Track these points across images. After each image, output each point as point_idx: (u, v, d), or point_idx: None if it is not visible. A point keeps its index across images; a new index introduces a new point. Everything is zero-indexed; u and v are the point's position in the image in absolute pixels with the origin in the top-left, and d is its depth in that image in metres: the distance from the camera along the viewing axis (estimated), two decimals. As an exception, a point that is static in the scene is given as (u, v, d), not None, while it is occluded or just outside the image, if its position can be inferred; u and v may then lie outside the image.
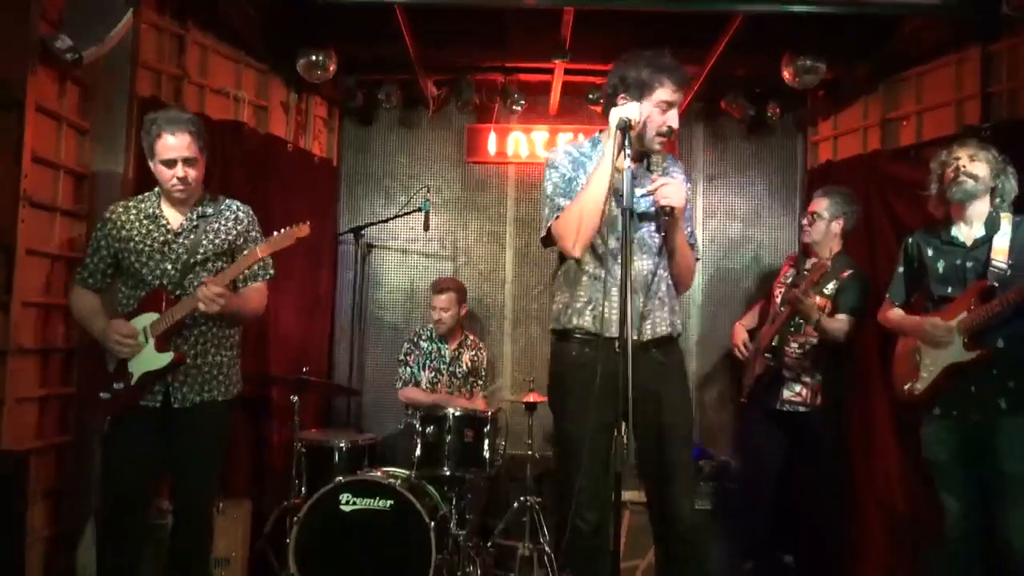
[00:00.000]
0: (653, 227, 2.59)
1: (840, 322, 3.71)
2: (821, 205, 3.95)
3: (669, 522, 2.59)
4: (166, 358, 2.82)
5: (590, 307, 2.57)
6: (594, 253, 2.59)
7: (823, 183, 4.73)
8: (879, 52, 4.33)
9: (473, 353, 4.59)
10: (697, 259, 2.74)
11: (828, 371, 3.81)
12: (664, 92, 2.52)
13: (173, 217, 2.96)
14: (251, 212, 3.10)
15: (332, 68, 4.48)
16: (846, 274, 3.81)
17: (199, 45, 4.17)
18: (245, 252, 2.94)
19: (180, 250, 2.92)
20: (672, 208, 2.46)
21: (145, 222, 2.94)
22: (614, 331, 2.47)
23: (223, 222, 2.99)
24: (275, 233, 2.90)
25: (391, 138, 5.26)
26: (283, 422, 4.30)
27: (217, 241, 2.96)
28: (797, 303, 3.64)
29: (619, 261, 2.48)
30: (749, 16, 3.85)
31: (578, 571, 2.66)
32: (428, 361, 4.52)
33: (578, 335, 2.59)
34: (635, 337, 2.47)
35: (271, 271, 3.11)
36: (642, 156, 2.64)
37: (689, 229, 2.70)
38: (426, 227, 4.73)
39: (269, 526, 3.89)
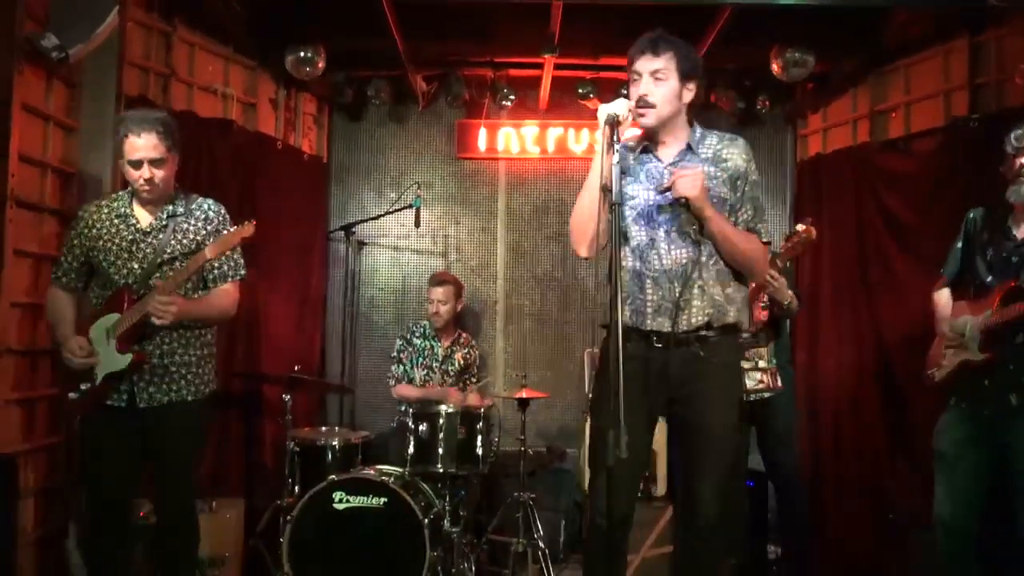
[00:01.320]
0: (682, 218, 2.48)
1: (795, 301, 3.76)
2: None
3: (689, 517, 2.56)
4: (126, 359, 2.78)
5: (628, 301, 2.50)
6: (629, 247, 2.52)
7: (813, 176, 4.77)
8: (867, 44, 4.35)
9: (466, 350, 4.59)
10: (766, 242, 2.61)
11: (779, 353, 3.88)
12: (632, 64, 2.51)
13: (143, 216, 2.92)
14: (223, 211, 3.02)
15: (321, 64, 4.46)
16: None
17: (186, 42, 4.15)
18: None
19: (148, 249, 2.87)
20: (686, 199, 2.40)
21: (116, 221, 2.91)
22: (649, 324, 2.45)
23: (192, 222, 2.94)
24: (223, 233, 2.88)
25: (381, 134, 5.25)
26: (275, 420, 4.28)
27: (185, 241, 2.91)
28: (768, 285, 3.64)
29: (653, 252, 2.47)
30: (737, 9, 3.85)
31: (591, 569, 2.64)
32: (421, 358, 4.52)
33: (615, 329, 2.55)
34: (669, 329, 2.44)
35: (242, 271, 3.05)
36: (654, 137, 2.58)
37: (748, 212, 2.57)
38: (417, 223, 4.72)
39: (263, 525, 3.88)
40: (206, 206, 2.99)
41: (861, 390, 4.25)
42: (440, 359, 4.51)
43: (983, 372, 2.89)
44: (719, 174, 2.52)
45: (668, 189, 2.45)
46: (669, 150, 2.58)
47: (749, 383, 3.86)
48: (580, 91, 4.83)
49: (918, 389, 3.74)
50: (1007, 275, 2.87)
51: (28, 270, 3.36)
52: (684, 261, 2.47)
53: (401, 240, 5.19)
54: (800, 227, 3.61)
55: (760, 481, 4.29)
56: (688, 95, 2.54)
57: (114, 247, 2.88)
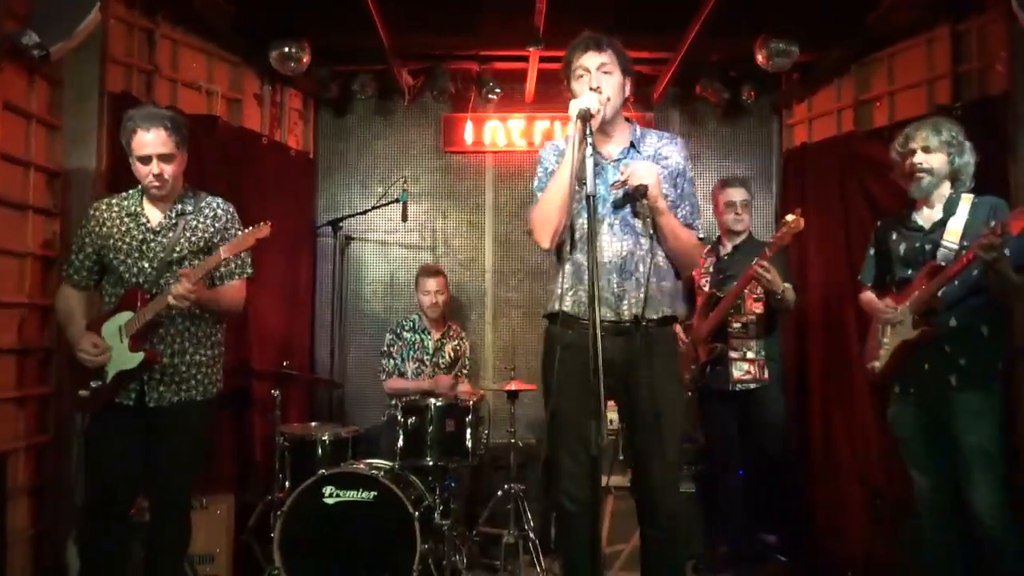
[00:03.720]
0: (629, 210, 2.59)
1: (792, 293, 3.83)
2: (743, 195, 4.12)
3: (648, 508, 2.62)
4: (137, 358, 2.80)
5: (571, 291, 2.60)
6: (572, 239, 2.62)
7: (799, 165, 4.79)
8: (851, 34, 4.35)
9: (456, 343, 4.60)
10: (701, 238, 2.72)
11: (769, 346, 3.93)
12: (576, 60, 2.61)
13: (153, 215, 2.94)
14: (231, 209, 3.06)
15: (305, 59, 4.45)
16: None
17: (169, 39, 4.13)
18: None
19: (158, 248, 2.89)
20: (645, 187, 2.46)
21: (126, 220, 2.92)
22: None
23: (201, 220, 2.96)
24: (238, 234, 2.90)
25: (367, 129, 5.24)
26: (265, 416, 4.29)
27: (194, 239, 2.93)
28: (762, 277, 3.67)
29: (598, 243, 2.52)
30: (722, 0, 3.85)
31: (567, 554, 2.69)
32: (412, 352, 4.52)
33: (561, 318, 2.61)
34: (612, 318, 2.52)
35: (249, 269, 3.07)
36: (601, 133, 2.63)
37: (687, 209, 2.68)
38: (404, 218, 4.72)
39: (253, 520, 3.89)
40: (215, 204, 3.02)
41: (848, 379, 4.27)
42: (431, 352, 4.52)
43: (922, 356, 2.98)
44: (661, 171, 2.61)
45: (624, 184, 2.52)
46: (613, 147, 2.69)
47: (736, 373, 3.91)
48: (564, 85, 4.82)
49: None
50: (923, 262, 3.00)
51: (14, 270, 3.35)
52: (624, 254, 2.57)
53: (388, 235, 5.19)
54: (789, 217, 3.64)
55: (751, 470, 4.32)
56: (627, 90, 2.67)
57: (124, 246, 2.89)
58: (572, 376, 2.41)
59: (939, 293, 2.90)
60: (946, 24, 3.97)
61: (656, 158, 2.66)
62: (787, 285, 3.82)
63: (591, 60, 2.59)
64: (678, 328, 4.11)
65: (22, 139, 3.36)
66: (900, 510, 3.68)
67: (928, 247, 3.01)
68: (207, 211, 2.98)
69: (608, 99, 2.52)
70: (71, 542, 3.33)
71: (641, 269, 2.56)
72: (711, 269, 4.11)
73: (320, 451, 3.81)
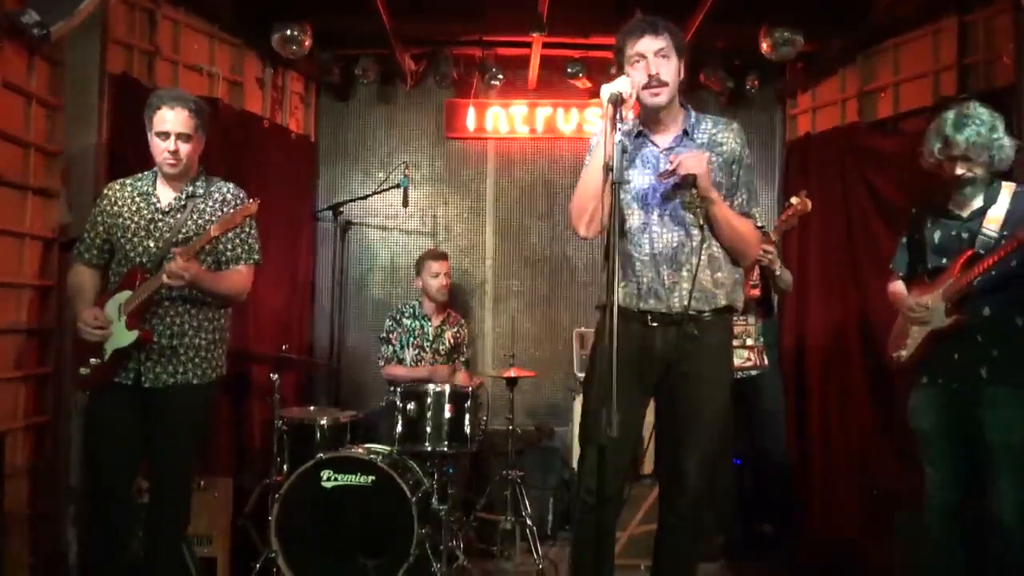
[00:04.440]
0: (679, 200, 2.52)
1: (788, 274, 3.80)
2: None
3: (673, 496, 2.60)
4: (132, 336, 2.80)
5: (622, 283, 2.53)
6: (623, 228, 2.54)
7: (802, 155, 4.78)
8: (857, 24, 4.33)
9: (456, 329, 4.59)
10: (760, 227, 2.66)
11: (766, 332, 3.93)
12: (631, 47, 2.51)
13: (164, 195, 2.95)
14: (241, 194, 3.05)
15: (307, 43, 4.42)
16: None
17: (171, 20, 4.10)
18: (230, 235, 2.94)
19: (164, 229, 2.90)
20: (694, 176, 2.41)
21: (138, 199, 2.94)
22: (641, 305, 2.50)
23: (210, 203, 2.96)
24: (226, 213, 2.92)
25: (369, 114, 5.22)
26: (264, 400, 4.29)
27: (200, 222, 2.92)
28: (765, 255, 3.65)
29: (646, 235, 2.51)
30: (727, -13, 3.84)
31: (578, 545, 2.66)
32: (411, 338, 4.52)
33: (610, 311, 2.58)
34: (663, 310, 2.48)
35: (256, 256, 3.07)
36: (654, 121, 2.59)
37: (744, 196, 2.61)
38: (405, 203, 4.71)
39: (251, 504, 3.89)
40: (225, 189, 3.03)
41: (847, 370, 4.27)
42: (431, 338, 4.51)
43: (953, 345, 2.91)
44: (715, 159, 2.55)
45: (672, 174, 2.46)
46: (666, 135, 2.60)
47: (736, 360, 3.88)
48: (569, 70, 4.82)
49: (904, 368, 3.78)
50: (960, 250, 2.91)
51: (13, 250, 3.33)
52: (675, 245, 2.50)
53: (389, 220, 5.18)
54: (795, 200, 3.62)
55: (747, 459, 4.33)
56: (681, 73, 2.57)
57: (133, 225, 2.90)
58: (619, 370, 2.29)
59: (975, 282, 2.82)
60: (953, 15, 3.94)
61: (710, 145, 2.57)
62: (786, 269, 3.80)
63: (648, 45, 2.48)
64: None
65: (22, 119, 3.33)
66: (895, 501, 3.68)
67: (966, 235, 2.91)
68: (216, 195, 2.99)
69: (665, 84, 2.46)
70: (69, 524, 3.34)
71: (693, 261, 2.49)
72: None
73: (318, 435, 3.81)
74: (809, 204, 3.59)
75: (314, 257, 5.14)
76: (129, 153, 3.50)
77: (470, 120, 5.11)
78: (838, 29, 4.44)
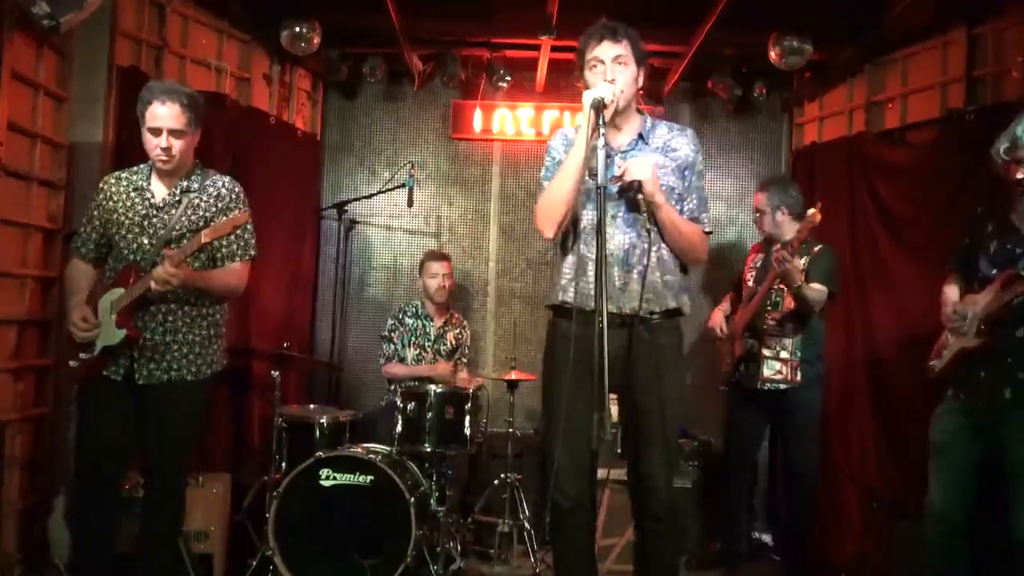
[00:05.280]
0: (627, 204, 2.57)
1: (817, 291, 3.73)
2: (760, 201, 4.02)
3: (644, 500, 2.62)
4: (120, 335, 2.78)
5: (573, 283, 2.59)
6: (576, 231, 2.61)
7: (808, 164, 4.77)
8: (866, 34, 4.32)
9: (458, 331, 4.58)
10: (708, 232, 2.69)
11: (805, 347, 3.84)
12: (591, 51, 2.57)
13: (159, 190, 2.92)
14: (236, 189, 3.01)
15: (316, 40, 4.42)
16: (816, 249, 3.85)
17: (180, 14, 4.10)
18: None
19: (159, 225, 2.87)
20: (639, 182, 2.45)
21: (132, 194, 2.91)
22: (592, 305, 2.49)
23: (205, 198, 2.93)
24: (231, 211, 2.90)
25: (376, 112, 5.22)
26: (264, 397, 4.29)
27: (195, 217, 2.89)
28: (784, 263, 3.60)
29: (603, 236, 2.51)
30: (737, -6, 3.83)
31: (558, 547, 2.69)
32: (413, 338, 4.51)
33: (565, 310, 2.61)
34: (613, 311, 2.49)
35: (252, 251, 3.03)
36: (610, 125, 2.59)
37: (694, 202, 2.65)
38: (410, 203, 4.70)
39: (248, 501, 3.88)
40: (220, 183, 2.98)
41: (850, 379, 4.26)
42: (432, 339, 4.51)
43: (980, 363, 2.87)
44: (668, 163, 2.61)
45: (620, 178, 2.50)
46: (622, 138, 2.66)
47: (766, 372, 3.85)
48: (577, 74, 4.80)
49: (906, 379, 3.76)
50: (1009, 266, 2.82)
51: (17, 241, 3.33)
52: (627, 247, 2.56)
53: (393, 219, 5.17)
54: (810, 211, 3.60)
55: (751, 469, 4.31)
56: (640, 80, 2.64)
57: (127, 221, 2.88)
58: (574, 370, 2.40)
59: (1013, 302, 2.74)
60: (962, 27, 3.94)
61: (665, 150, 2.64)
62: (816, 285, 3.72)
63: (606, 51, 2.55)
64: (718, 321, 4.15)
65: (29, 110, 3.33)
66: (895, 511, 3.67)
67: (1019, 251, 2.82)
68: (211, 190, 2.95)
69: (621, 91, 2.50)
70: (57, 517, 3.32)
71: (644, 262, 2.54)
72: (758, 264, 4.04)
73: (318, 434, 3.80)
74: (819, 217, 3.55)
75: (317, 255, 5.13)
76: (135, 146, 3.48)
77: (477, 121, 5.10)
78: (847, 39, 4.43)
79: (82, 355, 2.83)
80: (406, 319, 4.55)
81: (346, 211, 4.87)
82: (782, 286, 3.79)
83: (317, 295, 5.12)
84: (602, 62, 2.55)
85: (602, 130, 2.36)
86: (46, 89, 3.40)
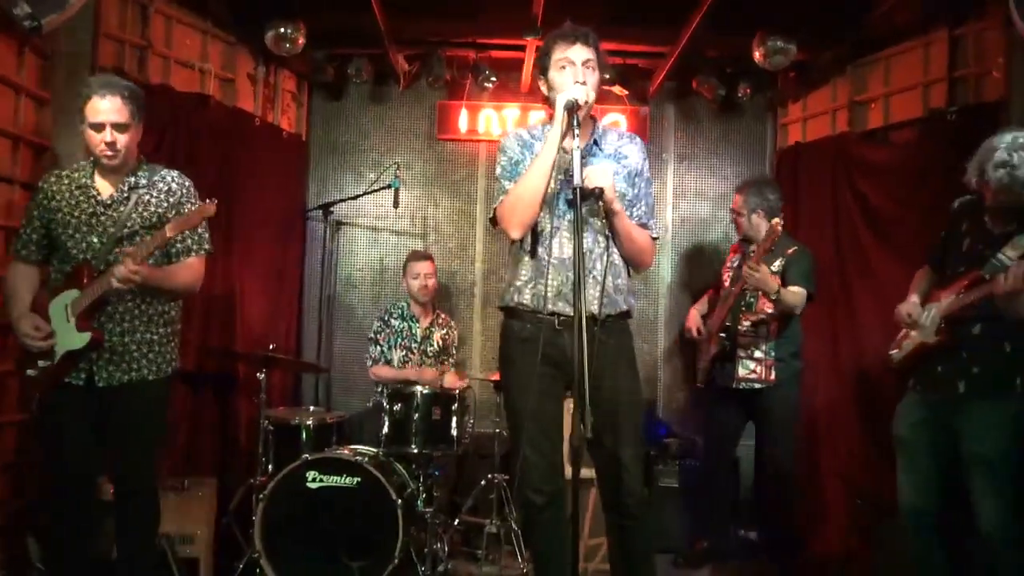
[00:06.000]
0: (584, 210, 2.55)
1: (795, 295, 3.77)
2: (737, 202, 4.07)
3: (618, 497, 2.62)
4: (84, 338, 2.73)
5: (530, 285, 2.62)
6: (534, 232, 2.63)
7: (792, 164, 4.80)
8: (849, 34, 4.35)
9: (444, 331, 4.58)
10: (655, 238, 2.73)
11: (780, 347, 3.88)
12: (560, 51, 2.59)
13: (104, 188, 2.84)
14: (187, 183, 2.96)
15: (301, 41, 4.40)
16: (791, 251, 3.89)
17: (163, 15, 4.08)
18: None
19: (108, 223, 2.81)
20: (600, 189, 2.46)
21: (76, 192, 2.83)
22: (550, 307, 2.57)
23: (155, 194, 2.87)
24: (186, 206, 2.87)
25: (361, 113, 5.20)
26: (250, 399, 4.27)
27: (146, 214, 2.84)
28: (750, 277, 3.65)
29: (556, 240, 2.57)
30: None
31: (537, 546, 2.69)
32: (399, 339, 4.50)
33: (520, 312, 2.64)
34: (569, 312, 2.50)
35: (207, 246, 2.98)
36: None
37: (643, 209, 2.70)
38: (396, 204, 4.70)
39: (235, 503, 3.87)
40: (169, 178, 2.93)
41: (836, 379, 4.29)
42: (418, 340, 4.50)
43: (938, 358, 2.94)
44: (620, 170, 2.65)
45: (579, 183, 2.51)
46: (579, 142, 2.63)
47: (741, 371, 3.89)
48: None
49: (891, 378, 3.78)
50: (977, 267, 2.86)
51: (0, 243, 3.30)
52: (582, 251, 2.53)
53: (379, 221, 5.16)
54: (773, 220, 3.63)
55: (734, 466, 4.34)
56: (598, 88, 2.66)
57: (73, 220, 2.81)
58: (531, 369, 2.46)
59: (973, 304, 2.79)
60: (944, 28, 3.97)
61: (616, 157, 2.68)
62: (794, 288, 3.76)
63: (578, 53, 2.57)
64: (694, 321, 4.20)
65: (11, 112, 3.31)
66: (880, 510, 3.70)
67: (987, 253, 2.83)
68: (161, 185, 2.89)
69: (592, 95, 2.53)
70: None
71: (598, 267, 2.58)
72: (735, 265, 4.06)
73: (304, 436, 3.79)
74: (780, 229, 3.54)
75: (303, 256, 5.11)
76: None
77: (462, 122, 5.10)
78: (830, 39, 4.46)
79: (41, 363, 2.76)
80: (392, 321, 4.54)
81: (332, 212, 4.86)
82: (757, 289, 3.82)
83: (303, 297, 5.10)
84: (573, 64, 2.56)
85: (576, 131, 2.38)
86: (28, 91, 3.38)
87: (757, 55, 4.40)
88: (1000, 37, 3.61)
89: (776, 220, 3.55)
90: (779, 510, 3.96)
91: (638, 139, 2.78)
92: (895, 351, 3.13)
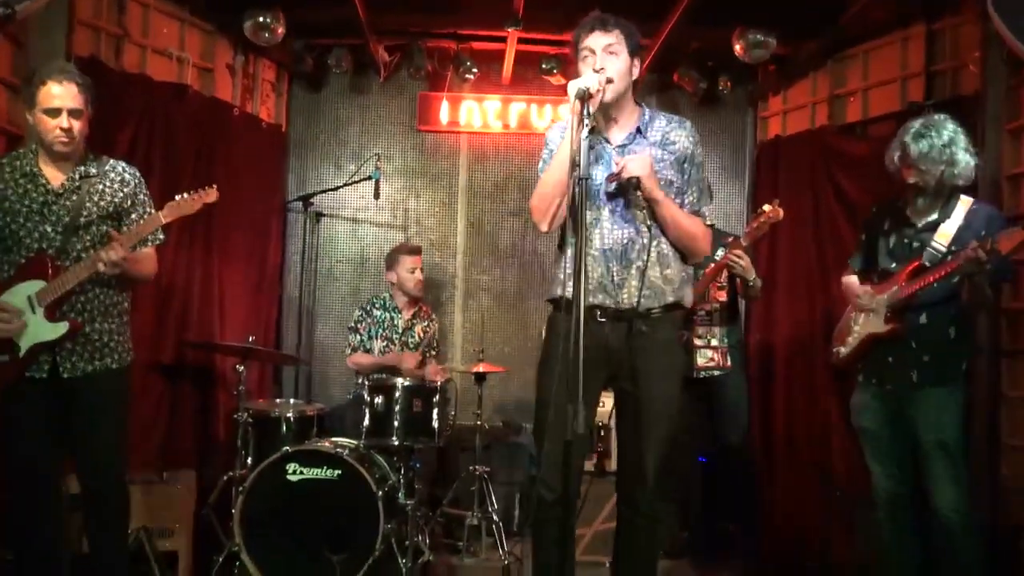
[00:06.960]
0: (625, 200, 2.55)
1: (760, 283, 3.87)
2: None
3: (632, 488, 2.62)
4: (61, 328, 2.70)
5: (572, 277, 2.53)
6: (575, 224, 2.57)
7: (772, 158, 4.83)
8: (829, 28, 4.38)
9: (426, 323, 4.57)
10: (710, 225, 2.70)
11: (731, 334, 3.99)
12: (582, 41, 2.54)
13: (53, 176, 2.80)
14: (138, 174, 2.96)
15: (280, 31, 4.36)
16: (730, 240, 3.94)
17: (140, 3, 4.03)
18: (134, 216, 2.88)
19: (61, 212, 2.77)
20: (637, 179, 2.44)
21: (22, 181, 2.77)
22: (591, 300, 2.49)
23: (108, 183, 2.85)
24: (178, 197, 2.83)
25: (341, 104, 5.17)
26: (229, 391, 4.23)
27: (102, 203, 2.82)
28: (737, 262, 3.70)
29: (596, 231, 2.52)
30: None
31: (536, 540, 2.66)
32: (380, 330, 4.48)
33: (564, 304, 2.57)
34: (611, 305, 2.51)
35: (161, 236, 2.97)
36: (607, 118, 2.60)
37: (694, 195, 2.64)
38: (376, 195, 4.68)
39: (214, 496, 3.84)
40: (120, 168, 2.92)
41: (813, 370, 4.32)
42: (400, 331, 4.49)
43: (888, 349, 3.04)
44: (666, 157, 2.59)
45: (617, 176, 2.49)
46: (619, 132, 2.63)
47: (700, 360, 3.94)
48: (544, 66, 4.82)
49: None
50: (910, 259, 3.01)
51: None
52: (625, 241, 2.53)
53: (360, 212, 5.14)
54: (767, 207, 3.65)
55: (712, 457, 4.37)
56: (635, 72, 2.59)
57: (23, 208, 2.75)
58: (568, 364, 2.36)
59: (917, 293, 2.92)
60: (921, 23, 4.02)
61: (663, 143, 2.60)
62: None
63: (597, 40, 2.52)
64: None
65: (-17, 100, 3.26)
66: (859, 501, 3.74)
67: (916, 245, 3.01)
68: (113, 175, 2.88)
69: (610, 80, 2.45)
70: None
71: (643, 258, 2.52)
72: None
73: (284, 428, 3.78)
74: (781, 213, 3.61)
75: (283, 248, 5.08)
76: (95, 137, 3.43)
77: (443, 113, 5.08)
78: (810, 33, 4.49)
79: (2, 357, 2.70)
80: (374, 311, 4.52)
81: (312, 204, 4.81)
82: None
83: (283, 289, 5.07)
84: (593, 52, 2.51)
85: (587, 121, 2.33)
86: (2, 79, 3.32)
87: (737, 49, 4.42)
88: (976, 31, 3.64)
89: (773, 206, 3.60)
90: (743, 491, 4.05)
91: (688, 123, 2.69)
92: (840, 347, 3.23)
